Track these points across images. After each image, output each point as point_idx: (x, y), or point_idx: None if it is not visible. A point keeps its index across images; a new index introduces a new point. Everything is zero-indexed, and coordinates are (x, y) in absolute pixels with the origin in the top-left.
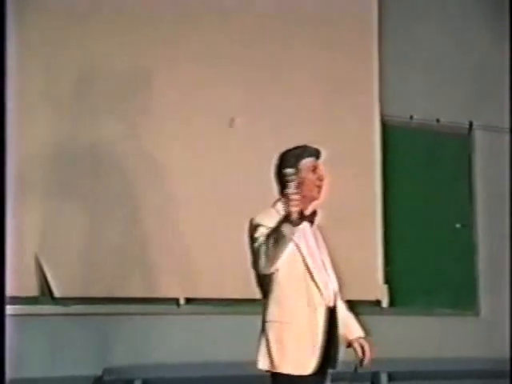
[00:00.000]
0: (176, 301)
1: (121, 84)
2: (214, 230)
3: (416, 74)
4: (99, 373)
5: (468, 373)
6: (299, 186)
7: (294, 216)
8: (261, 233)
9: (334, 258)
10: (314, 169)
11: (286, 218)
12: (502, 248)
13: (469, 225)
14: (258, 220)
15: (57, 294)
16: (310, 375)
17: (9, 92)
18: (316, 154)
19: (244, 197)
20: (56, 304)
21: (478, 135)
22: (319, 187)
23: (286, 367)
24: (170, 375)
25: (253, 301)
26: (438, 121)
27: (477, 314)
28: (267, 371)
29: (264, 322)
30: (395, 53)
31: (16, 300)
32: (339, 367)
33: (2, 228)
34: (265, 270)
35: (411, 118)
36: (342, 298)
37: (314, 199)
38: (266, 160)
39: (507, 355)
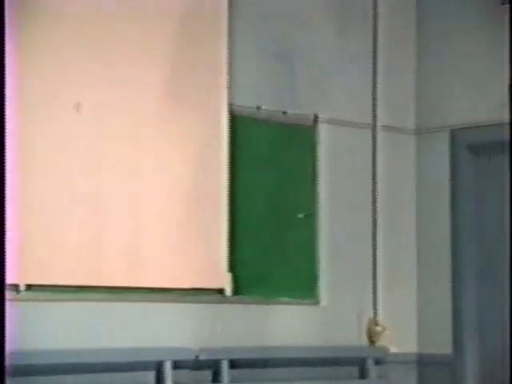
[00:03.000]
0: (16, 287)
1: None
2: (61, 216)
3: (265, 64)
4: None
5: (309, 360)
6: None
7: None
8: None
9: (180, 246)
10: None
11: None
12: (343, 239)
13: (312, 215)
14: None
15: None
16: None
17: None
18: None
19: (94, 183)
20: None
21: (323, 128)
22: None
23: None
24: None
25: (98, 288)
26: (284, 112)
27: (317, 303)
28: None
29: None
30: (245, 41)
31: None
32: (181, 355)
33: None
34: None
35: (258, 108)
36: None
37: None
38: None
39: (347, 343)
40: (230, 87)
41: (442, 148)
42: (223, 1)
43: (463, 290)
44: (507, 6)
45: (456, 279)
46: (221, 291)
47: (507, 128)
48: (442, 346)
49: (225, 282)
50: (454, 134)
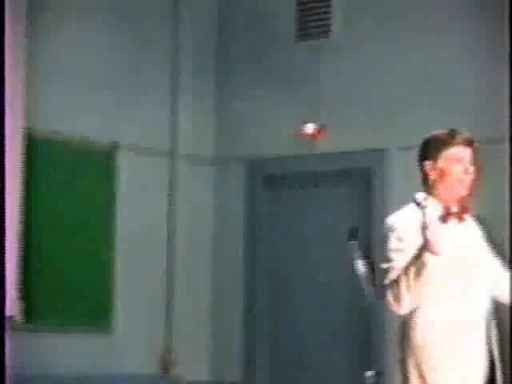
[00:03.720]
0: None
1: None
2: None
3: (66, 89)
4: None
5: None
6: (439, 180)
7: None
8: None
9: None
10: (459, 160)
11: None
12: (139, 268)
13: (109, 244)
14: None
15: None
16: None
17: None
18: (467, 141)
19: None
20: None
21: (123, 155)
22: (463, 182)
23: None
24: None
25: None
26: (84, 137)
27: (111, 331)
28: None
29: None
30: (47, 65)
31: None
32: None
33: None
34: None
35: (58, 132)
36: None
37: (460, 195)
38: None
39: (141, 371)
40: (30, 111)
41: (238, 178)
42: (21, 27)
43: (256, 320)
44: (303, 43)
45: (249, 310)
46: (11, 318)
47: (301, 160)
48: (234, 373)
49: (15, 308)
50: (250, 165)
